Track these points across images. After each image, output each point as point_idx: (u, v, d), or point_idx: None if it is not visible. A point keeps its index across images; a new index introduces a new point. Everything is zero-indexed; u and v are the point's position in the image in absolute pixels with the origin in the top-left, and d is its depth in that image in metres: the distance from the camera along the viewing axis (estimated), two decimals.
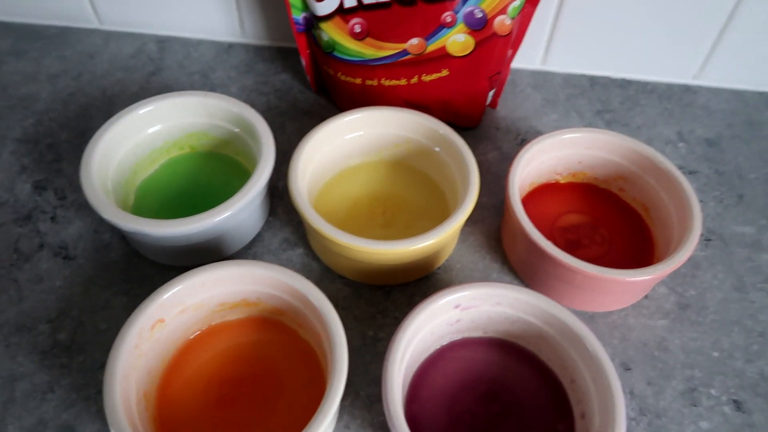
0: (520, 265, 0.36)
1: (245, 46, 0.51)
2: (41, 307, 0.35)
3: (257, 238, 0.38)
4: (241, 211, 0.33)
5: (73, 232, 0.38)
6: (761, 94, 0.48)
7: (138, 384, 0.28)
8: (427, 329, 0.30)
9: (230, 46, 0.51)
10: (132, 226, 0.31)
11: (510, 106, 0.46)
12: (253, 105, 0.42)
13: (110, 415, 0.26)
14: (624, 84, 0.48)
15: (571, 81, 0.48)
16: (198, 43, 0.51)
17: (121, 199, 0.37)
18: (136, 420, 0.27)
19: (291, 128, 0.44)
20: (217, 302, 0.31)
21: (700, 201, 0.40)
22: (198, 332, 0.32)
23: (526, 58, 0.48)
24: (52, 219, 0.39)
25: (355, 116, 0.37)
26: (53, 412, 0.31)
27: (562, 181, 0.39)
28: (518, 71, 0.49)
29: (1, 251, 0.37)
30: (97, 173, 0.34)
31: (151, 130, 0.38)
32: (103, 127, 0.36)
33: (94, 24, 0.52)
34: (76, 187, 0.40)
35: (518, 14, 0.39)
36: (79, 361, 0.33)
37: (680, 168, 0.42)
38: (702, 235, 0.39)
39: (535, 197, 0.38)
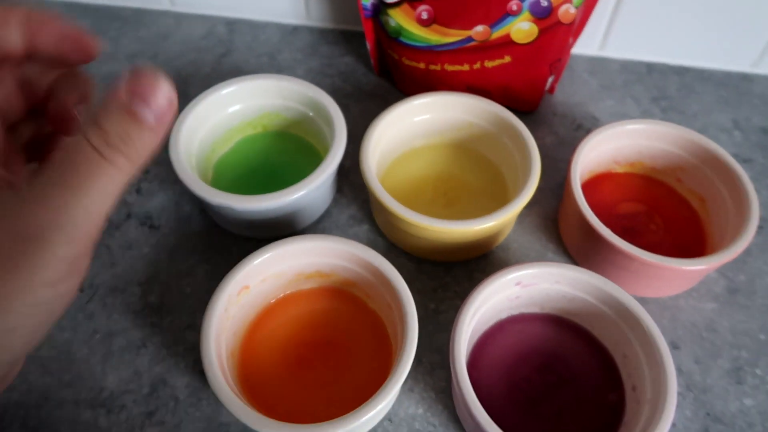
0: (575, 248, 0.38)
1: (310, 29, 0.53)
2: (132, 271, 0.38)
3: (325, 213, 0.41)
4: (316, 189, 0.36)
5: (156, 203, 0.41)
6: None
7: (227, 343, 0.32)
8: (489, 304, 0.32)
9: (295, 29, 0.53)
10: (220, 200, 0.34)
11: (567, 92, 0.48)
12: (319, 87, 0.44)
13: (208, 369, 0.29)
14: (681, 71, 0.49)
15: (628, 67, 0.49)
16: (265, 26, 0.53)
17: (201, 175, 0.40)
18: (228, 376, 0.30)
19: (355, 110, 0.47)
20: (294, 272, 0.34)
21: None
22: (276, 299, 0.35)
23: (584, 44, 0.49)
24: (137, 191, 0.42)
25: (424, 100, 0.39)
26: (147, 365, 0.34)
27: (620, 171, 0.41)
28: (576, 57, 0.50)
29: None
30: (183, 151, 0.37)
31: (230, 110, 0.41)
32: (188, 106, 0.38)
33: (166, 6, 0.55)
34: (158, 161, 0.43)
35: (583, 3, 0.40)
36: (168, 321, 0.36)
37: (734, 156, 0.43)
38: None
39: (593, 185, 0.40)
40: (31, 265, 0.21)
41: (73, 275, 0.22)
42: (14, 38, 0.23)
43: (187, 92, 0.48)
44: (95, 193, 0.21)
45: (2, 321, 0.21)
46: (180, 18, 0.54)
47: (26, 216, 0.21)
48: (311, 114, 0.40)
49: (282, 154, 0.43)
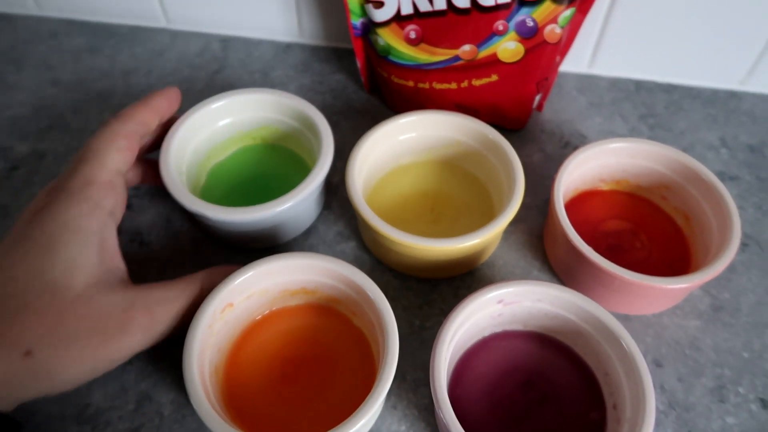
0: (559, 265, 0.38)
1: (302, 46, 0.54)
2: None
3: (313, 229, 0.41)
4: (300, 203, 0.36)
5: (147, 219, 0.42)
6: None
7: (210, 360, 0.32)
8: (471, 321, 0.32)
9: (288, 46, 0.54)
10: (203, 211, 0.35)
11: (555, 109, 0.48)
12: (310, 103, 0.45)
13: (189, 386, 0.29)
14: (669, 89, 0.49)
15: (617, 85, 0.50)
16: (258, 43, 0.54)
17: (193, 181, 0.40)
18: (210, 392, 0.30)
19: (345, 126, 0.47)
20: (279, 289, 0.35)
21: (739, 207, 0.41)
22: (261, 316, 0.36)
23: (572, 62, 0.50)
24: (128, 207, 0.42)
25: (410, 119, 0.40)
26: (133, 381, 0.35)
27: (605, 189, 0.41)
28: (564, 74, 0.51)
29: None
30: (174, 162, 0.37)
31: (221, 123, 0.41)
32: (178, 121, 0.39)
33: (161, 23, 0.55)
34: None
35: (568, 23, 0.40)
36: None
37: (721, 173, 0.44)
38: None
39: (579, 202, 0.40)
40: (114, 347, 0.28)
41: (127, 358, 0.30)
42: (154, 125, 0.37)
43: (181, 109, 0.48)
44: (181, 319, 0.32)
45: (66, 374, 0.27)
46: (175, 35, 0.55)
47: (133, 313, 0.29)
48: (301, 128, 0.41)
49: (275, 167, 0.43)
